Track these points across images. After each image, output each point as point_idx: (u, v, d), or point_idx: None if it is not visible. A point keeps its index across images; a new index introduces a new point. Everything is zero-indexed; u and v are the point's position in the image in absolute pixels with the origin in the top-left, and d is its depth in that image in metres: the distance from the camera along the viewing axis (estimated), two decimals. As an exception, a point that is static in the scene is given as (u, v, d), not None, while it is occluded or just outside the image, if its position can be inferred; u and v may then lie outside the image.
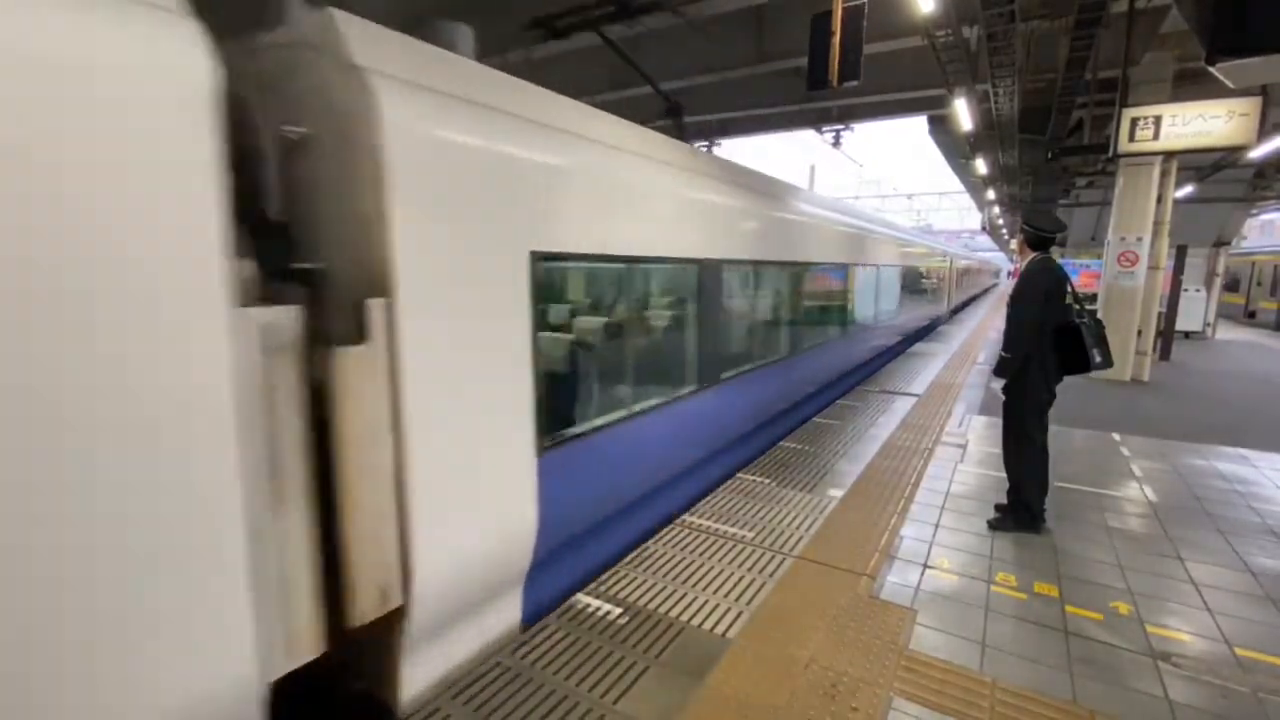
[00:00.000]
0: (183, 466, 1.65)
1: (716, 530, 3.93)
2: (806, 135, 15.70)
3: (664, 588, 3.24)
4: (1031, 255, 3.95)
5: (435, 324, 2.40)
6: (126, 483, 1.55)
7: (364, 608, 2.19)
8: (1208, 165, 12.37)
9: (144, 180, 1.54)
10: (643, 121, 4.34)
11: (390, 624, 2.33)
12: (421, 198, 2.30)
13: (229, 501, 1.75)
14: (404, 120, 2.24)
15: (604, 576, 3.34)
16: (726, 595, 3.17)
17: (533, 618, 3.09)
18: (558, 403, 3.19)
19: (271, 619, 1.93)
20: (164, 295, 1.59)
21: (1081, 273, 14.77)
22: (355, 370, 2.11)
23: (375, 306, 2.15)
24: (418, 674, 2.50)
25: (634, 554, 3.60)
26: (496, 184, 2.66)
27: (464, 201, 2.51)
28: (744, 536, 3.84)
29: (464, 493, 2.57)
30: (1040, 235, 3.92)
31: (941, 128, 14.63)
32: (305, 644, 2.06)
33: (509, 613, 3.00)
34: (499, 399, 2.72)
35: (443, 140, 2.42)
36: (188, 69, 1.60)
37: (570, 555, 3.44)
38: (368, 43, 2.28)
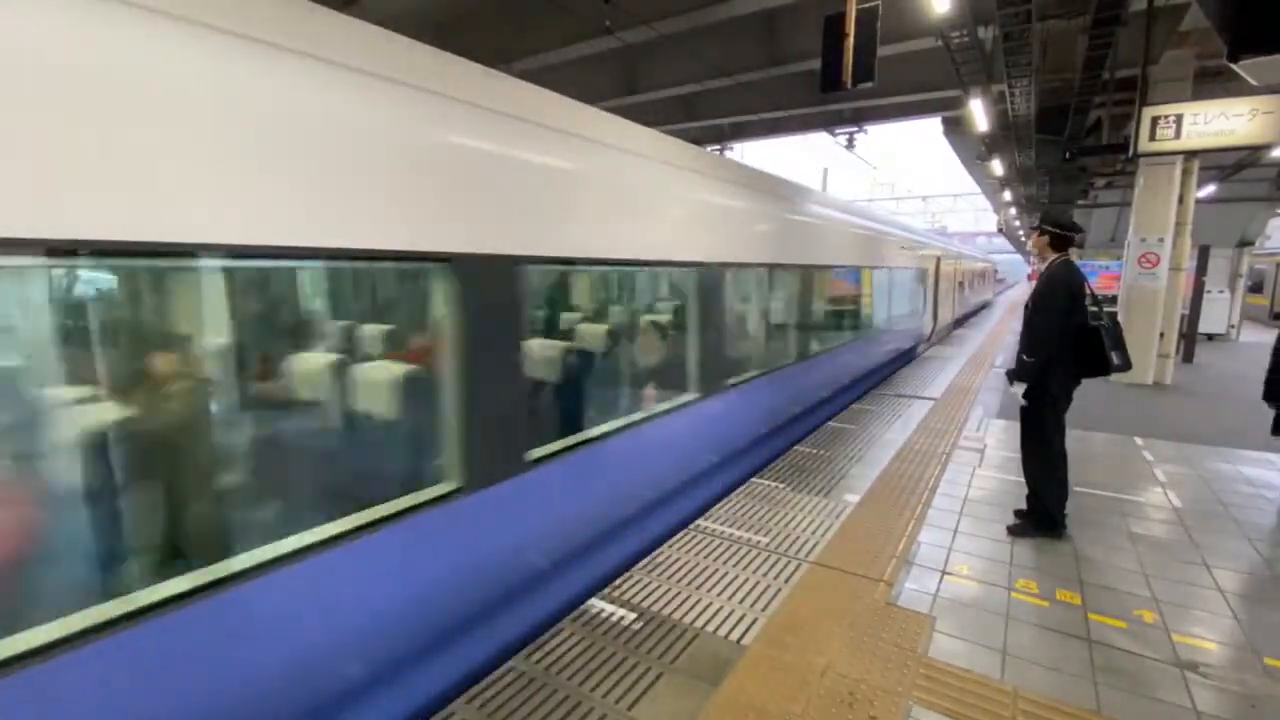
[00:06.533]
0: None
1: (731, 535, 3.90)
2: (819, 139, 15.83)
3: (678, 593, 3.22)
4: (1053, 257, 3.90)
5: None
6: None
7: None
8: (1230, 164, 12.15)
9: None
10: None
11: None
12: None
13: None
14: None
15: (617, 581, 3.33)
16: (741, 601, 3.15)
17: None
18: None
19: None
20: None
21: (1100, 274, 14.59)
22: None
23: None
24: None
25: (647, 559, 3.59)
26: None
27: None
28: (759, 542, 3.81)
29: None
30: (1062, 235, 3.87)
31: (957, 129, 14.53)
32: None
33: None
34: None
35: None
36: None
37: None
38: None
